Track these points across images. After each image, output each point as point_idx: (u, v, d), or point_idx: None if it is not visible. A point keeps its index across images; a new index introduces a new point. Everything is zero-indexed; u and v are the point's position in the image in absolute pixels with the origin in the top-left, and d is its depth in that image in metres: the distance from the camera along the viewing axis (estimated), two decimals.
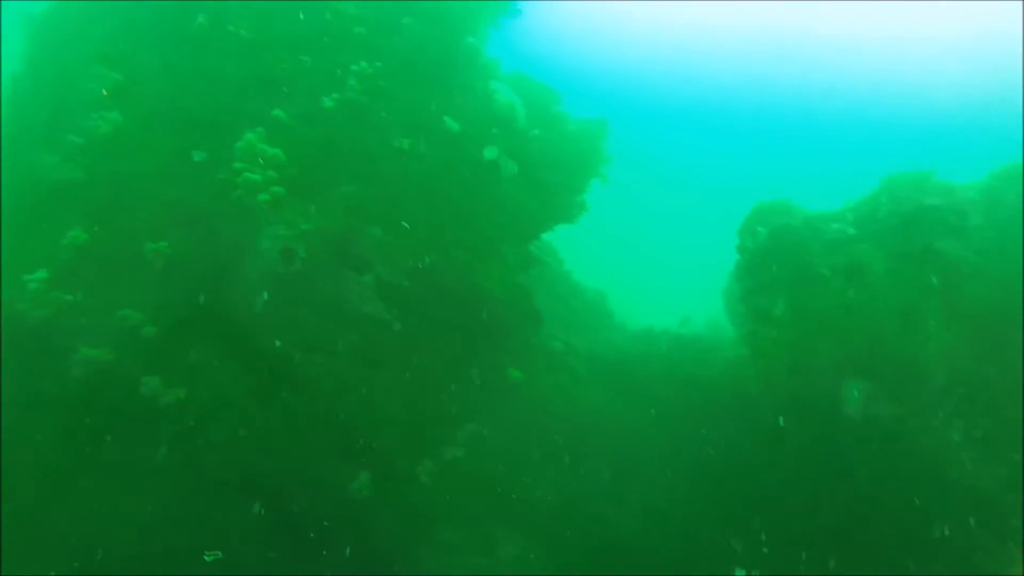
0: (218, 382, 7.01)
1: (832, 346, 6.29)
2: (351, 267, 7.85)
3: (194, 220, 7.00)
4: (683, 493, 7.81)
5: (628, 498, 8.12)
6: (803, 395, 6.45)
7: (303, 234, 7.51)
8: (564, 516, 7.99)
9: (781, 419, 6.48)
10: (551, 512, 8.04)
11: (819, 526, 6.51)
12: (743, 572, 6.54)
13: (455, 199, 8.03)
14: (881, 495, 6.39)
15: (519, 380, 8.01)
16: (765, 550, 6.68)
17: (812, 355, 6.38)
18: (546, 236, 11.29)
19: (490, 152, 7.98)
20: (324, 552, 7.31)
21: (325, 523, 7.22)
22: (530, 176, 8.27)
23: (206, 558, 6.33)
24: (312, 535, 7.23)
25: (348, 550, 7.25)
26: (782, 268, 6.71)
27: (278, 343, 7.28)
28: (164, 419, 6.57)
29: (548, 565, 7.76)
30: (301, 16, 7.79)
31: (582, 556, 7.72)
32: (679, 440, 8.03)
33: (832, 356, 6.30)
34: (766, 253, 6.96)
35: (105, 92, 6.63)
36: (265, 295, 7.30)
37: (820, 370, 6.36)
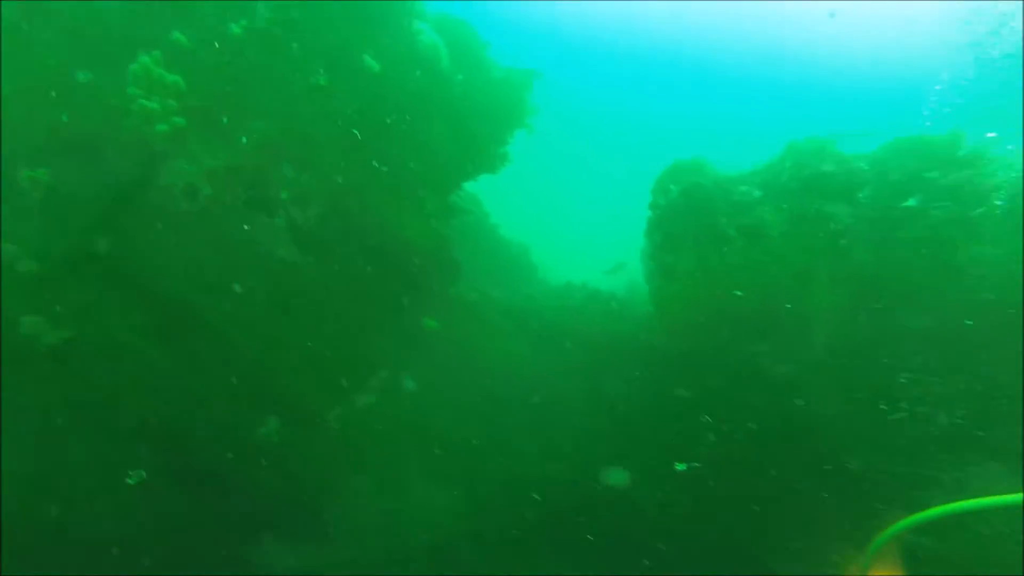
0: (112, 324, 6.63)
1: (732, 303, 6.65)
2: (261, 208, 7.52)
3: (81, 148, 6.44)
4: (596, 440, 8.16)
5: (542, 446, 8.40)
6: (703, 349, 6.81)
7: (208, 171, 7.11)
8: (477, 462, 8.20)
9: (681, 371, 6.83)
10: (464, 458, 8.23)
11: (720, 471, 6.96)
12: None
13: (374, 142, 7.75)
14: (771, 446, 6.89)
15: (435, 329, 8.02)
16: (669, 488, 7.11)
17: (713, 311, 6.73)
18: (473, 188, 11.20)
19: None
20: (230, 498, 7.20)
21: (230, 469, 7.09)
22: (452, 123, 8.08)
23: (129, 480, 6.06)
24: (216, 481, 7.10)
25: (255, 496, 7.18)
26: (690, 226, 6.97)
27: (180, 284, 6.95)
28: (49, 361, 6.17)
29: (462, 509, 7.98)
30: None
31: (495, 500, 7.98)
32: (591, 391, 8.33)
33: (731, 313, 6.67)
34: (676, 211, 7.20)
35: None
36: (166, 234, 6.92)
37: (720, 326, 6.72)
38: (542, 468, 8.06)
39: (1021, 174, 6.01)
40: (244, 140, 7.30)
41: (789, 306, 6.43)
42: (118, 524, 6.48)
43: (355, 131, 7.79)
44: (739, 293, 6.46)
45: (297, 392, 7.44)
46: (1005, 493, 3.00)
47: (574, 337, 8.54)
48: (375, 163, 7.80)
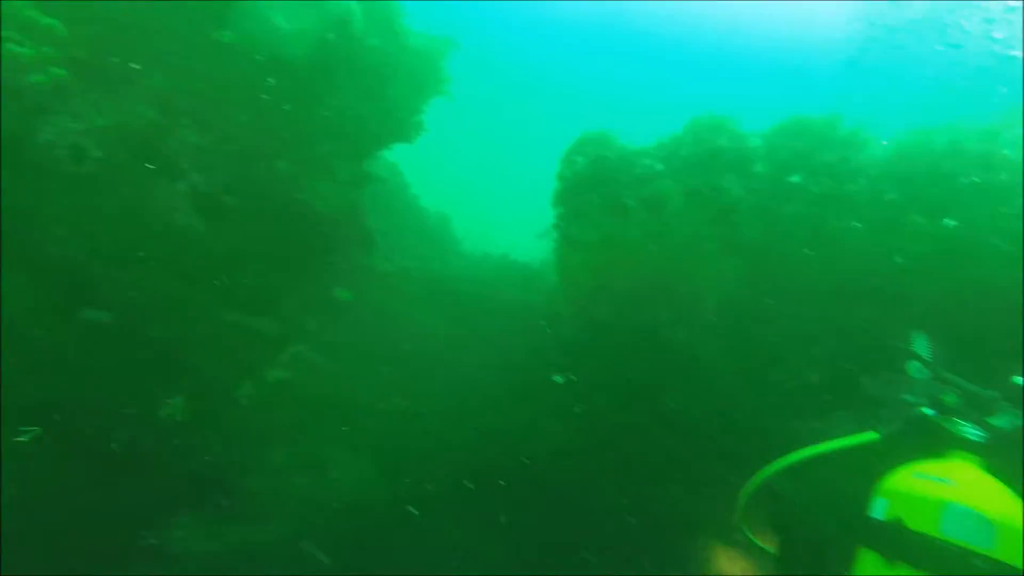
0: None
1: (630, 272, 6.98)
2: (161, 173, 7.15)
3: None
4: (509, 408, 8.38)
5: (458, 415, 8.55)
6: (603, 316, 7.14)
7: (97, 129, 6.67)
8: (393, 434, 8.25)
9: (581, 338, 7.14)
10: (381, 431, 8.26)
11: (621, 429, 7.33)
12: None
13: (282, 105, 7.49)
14: (667, 404, 7.31)
15: (347, 300, 7.95)
16: (572, 440, 7.42)
17: (612, 280, 7.04)
18: (393, 158, 11.03)
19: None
20: (134, 482, 6.93)
21: (133, 450, 6.82)
22: (365, 88, 7.91)
23: (22, 439, 5.80)
24: (117, 464, 6.81)
25: (162, 478, 6.94)
26: (594, 197, 7.22)
27: (72, 252, 6.54)
28: None
29: (379, 482, 8.04)
30: None
31: (413, 472, 8.08)
32: (504, 359, 8.53)
33: (629, 281, 7.00)
34: (581, 182, 7.43)
35: None
36: (49, 196, 6.47)
37: (618, 293, 7.05)
38: (456, 434, 8.23)
39: (892, 155, 6.62)
40: (138, 97, 6.89)
41: (683, 275, 6.82)
42: (13, 511, 6.14)
43: (262, 93, 7.50)
44: (639, 262, 6.80)
45: (204, 368, 7.21)
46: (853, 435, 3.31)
47: (486, 307, 8.69)
48: (285, 128, 7.55)
